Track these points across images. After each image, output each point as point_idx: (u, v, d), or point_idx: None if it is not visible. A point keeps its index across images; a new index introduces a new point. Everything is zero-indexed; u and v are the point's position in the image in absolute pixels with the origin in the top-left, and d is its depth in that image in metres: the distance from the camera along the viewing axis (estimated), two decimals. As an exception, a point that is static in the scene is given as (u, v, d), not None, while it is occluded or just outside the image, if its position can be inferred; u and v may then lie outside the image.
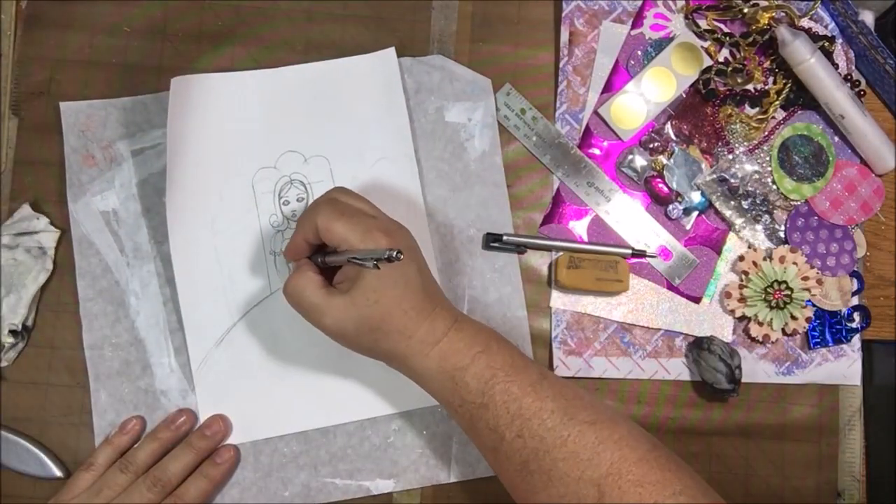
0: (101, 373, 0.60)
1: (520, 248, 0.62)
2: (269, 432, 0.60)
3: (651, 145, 0.64)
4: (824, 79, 0.61)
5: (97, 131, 0.62)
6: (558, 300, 0.62)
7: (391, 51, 0.63)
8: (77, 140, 0.62)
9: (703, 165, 0.63)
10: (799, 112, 0.65)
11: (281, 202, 0.61)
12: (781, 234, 0.64)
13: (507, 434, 0.48)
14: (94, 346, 0.60)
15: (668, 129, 0.64)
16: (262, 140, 0.62)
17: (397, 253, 0.45)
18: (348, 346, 0.52)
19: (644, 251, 0.62)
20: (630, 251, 0.62)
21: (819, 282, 0.62)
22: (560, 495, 0.47)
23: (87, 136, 0.62)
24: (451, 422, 0.61)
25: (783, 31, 0.61)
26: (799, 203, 0.64)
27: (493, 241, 0.62)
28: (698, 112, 0.64)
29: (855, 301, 0.64)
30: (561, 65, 0.64)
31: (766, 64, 0.65)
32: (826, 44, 0.63)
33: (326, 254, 0.53)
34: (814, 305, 0.63)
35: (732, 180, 0.63)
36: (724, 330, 0.63)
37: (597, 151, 0.64)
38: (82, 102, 0.62)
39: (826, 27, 0.65)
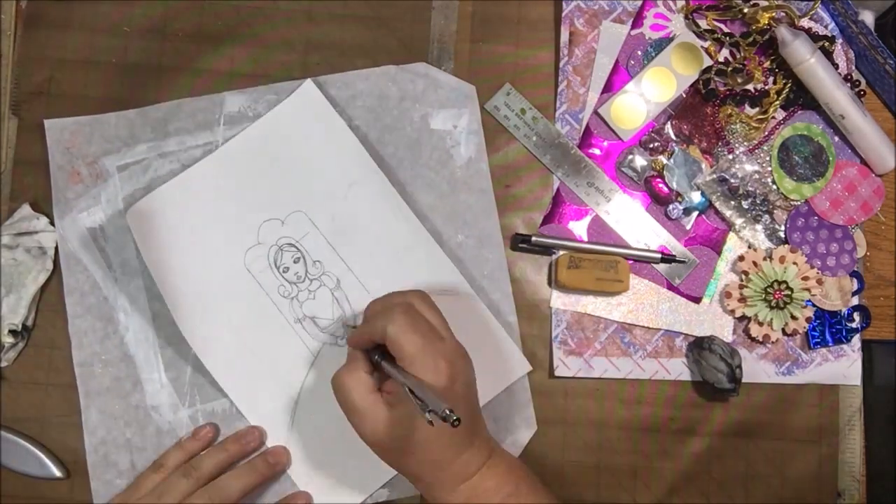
0: (92, 389, 0.60)
1: (544, 249, 0.62)
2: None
3: (651, 145, 0.64)
4: (824, 79, 0.61)
5: (82, 147, 0.61)
6: (558, 300, 0.62)
7: (308, 83, 0.62)
8: (62, 157, 0.61)
9: (703, 165, 0.63)
10: (799, 112, 0.65)
11: (280, 271, 0.61)
12: (781, 234, 0.64)
13: None
14: (83, 363, 0.60)
15: (668, 129, 0.64)
16: (234, 224, 0.61)
17: (455, 420, 0.43)
18: (378, 454, 0.51)
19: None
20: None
21: (819, 282, 0.62)
22: None
23: (72, 153, 0.61)
24: None
25: (783, 31, 0.61)
26: (799, 203, 0.64)
27: (521, 241, 0.62)
28: (698, 112, 0.64)
29: (855, 301, 0.64)
30: (561, 65, 0.64)
31: (766, 64, 0.65)
32: (826, 44, 0.63)
33: (385, 356, 0.51)
34: (814, 305, 0.63)
35: (732, 180, 0.63)
36: (724, 330, 0.63)
37: (597, 151, 0.64)
38: (67, 119, 0.61)
39: (826, 27, 0.65)
